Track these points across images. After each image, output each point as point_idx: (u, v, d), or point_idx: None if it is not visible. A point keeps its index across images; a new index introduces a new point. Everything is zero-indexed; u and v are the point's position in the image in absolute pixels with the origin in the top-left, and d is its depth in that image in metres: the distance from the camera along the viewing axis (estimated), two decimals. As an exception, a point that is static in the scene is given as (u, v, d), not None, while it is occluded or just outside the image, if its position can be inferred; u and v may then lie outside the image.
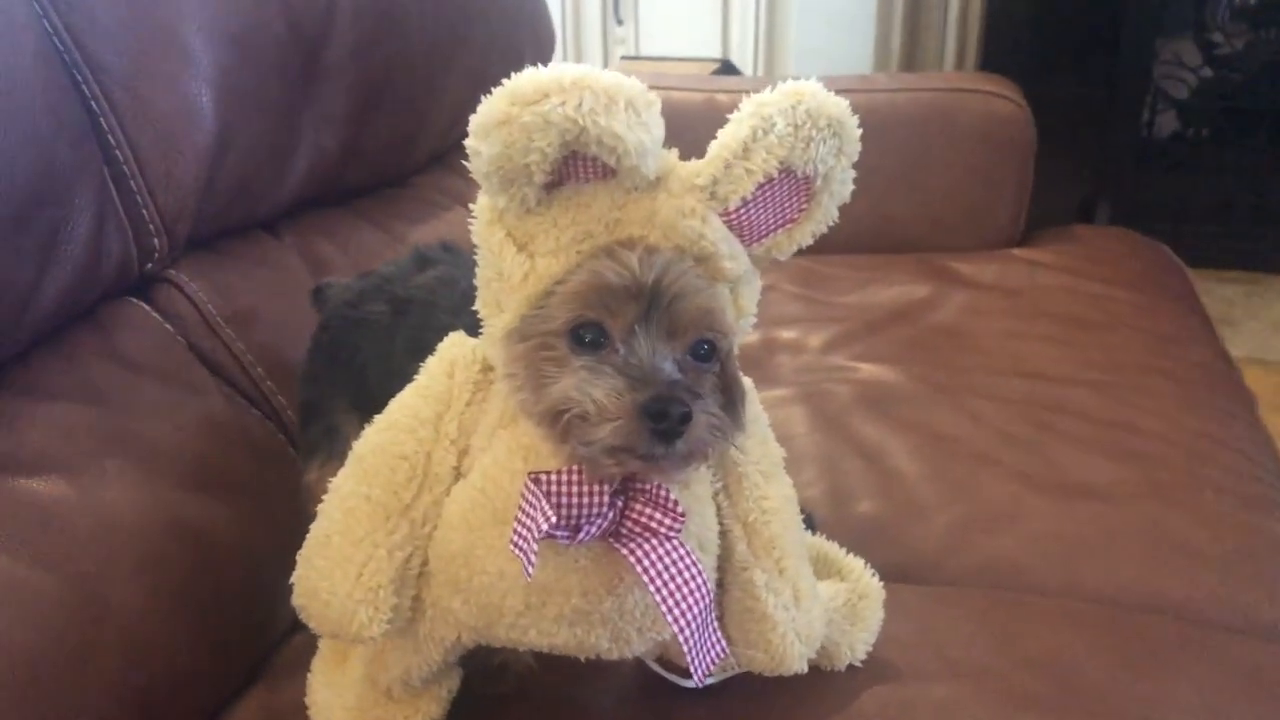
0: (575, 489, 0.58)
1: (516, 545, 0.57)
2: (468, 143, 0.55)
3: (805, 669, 0.70)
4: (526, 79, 0.54)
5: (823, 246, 0.66)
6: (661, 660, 0.73)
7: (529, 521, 0.57)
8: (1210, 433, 1.08)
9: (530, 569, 0.56)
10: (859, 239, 1.46)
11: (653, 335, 0.57)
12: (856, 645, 0.75)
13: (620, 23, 2.77)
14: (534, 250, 0.58)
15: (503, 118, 0.53)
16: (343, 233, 1.16)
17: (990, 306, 1.34)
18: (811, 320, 1.32)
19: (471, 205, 0.62)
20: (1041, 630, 0.81)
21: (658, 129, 0.56)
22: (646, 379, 0.55)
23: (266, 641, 0.87)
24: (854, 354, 1.24)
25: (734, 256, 0.60)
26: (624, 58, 2.70)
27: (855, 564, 0.78)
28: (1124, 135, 2.77)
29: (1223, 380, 1.21)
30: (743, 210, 0.59)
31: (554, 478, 0.58)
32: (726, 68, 2.28)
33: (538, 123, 0.53)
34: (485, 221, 0.60)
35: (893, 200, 1.50)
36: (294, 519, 0.87)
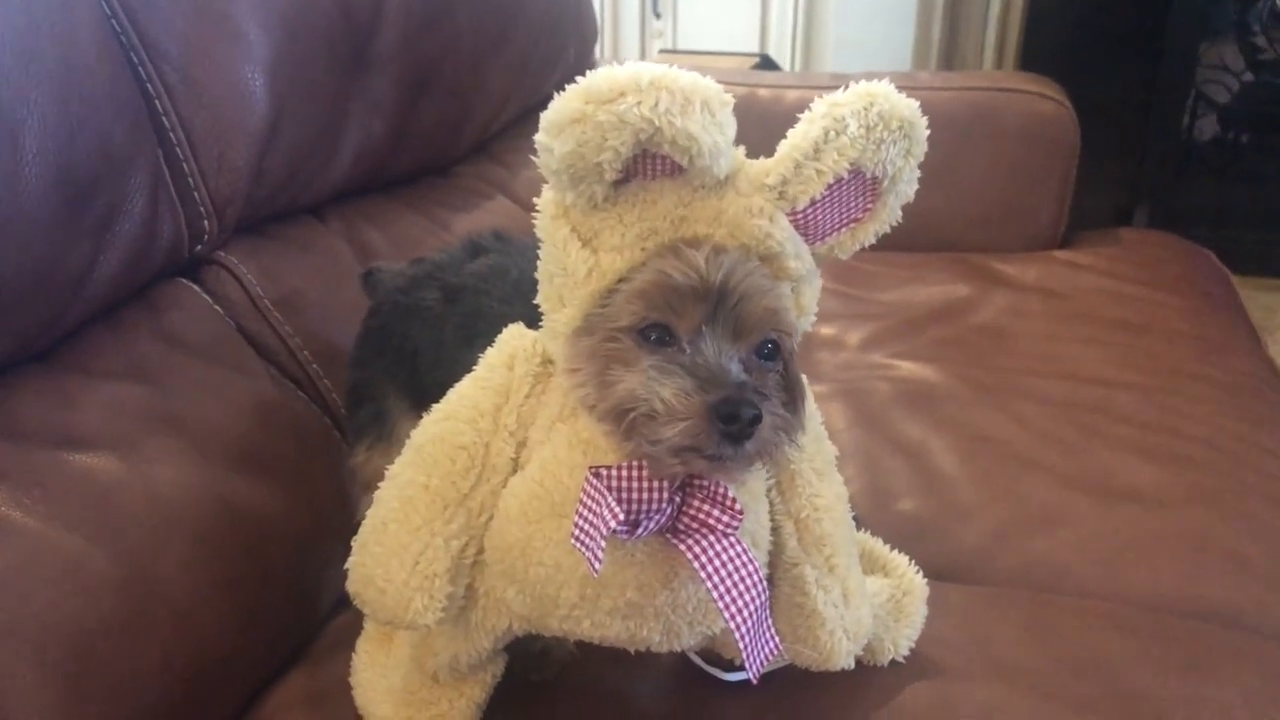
0: (636, 484, 0.58)
1: (580, 540, 0.57)
2: (538, 139, 0.55)
3: (852, 665, 0.70)
4: (602, 77, 0.53)
5: None
6: (703, 653, 0.74)
7: (593, 518, 0.57)
8: (1256, 440, 1.06)
9: (597, 565, 0.56)
10: (899, 237, 1.42)
11: (719, 335, 0.57)
12: (900, 641, 0.75)
13: (658, 16, 2.76)
14: (598, 246, 0.58)
15: (576, 115, 0.53)
16: (387, 219, 1.16)
17: (1031, 308, 1.33)
18: (851, 317, 1.32)
19: (536, 200, 0.62)
20: (1085, 633, 0.80)
21: (731, 129, 0.56)
22: (716, 380, 0.55)
23: (310, 622, 0.88)
24: (893, 352, 1.24)
25: (799, 255, 0.60)
26: (662, 51, 2.69)
27: (900, 560, 0.78)
28: (1164, 139, 2.74)
29: (1268, 388, 1.20)
30: (809, 209, 0.59)
31: (615, 472, 0.58)
32: (765, 63, 2.27)
33: (613, 121, 0.53)
34: (550, 216, 0.60)
35: (934, 198, 1.46)
36: (337, 501, 0.89)
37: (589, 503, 0.58)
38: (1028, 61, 2.67)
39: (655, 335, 0.57)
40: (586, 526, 0.58)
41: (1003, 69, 2.62)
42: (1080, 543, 0.92)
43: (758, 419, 0.54)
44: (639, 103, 0.52)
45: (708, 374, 0.55)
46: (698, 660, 0.74)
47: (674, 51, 2.66)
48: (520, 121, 1.47)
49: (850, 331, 1.29)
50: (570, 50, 1.58)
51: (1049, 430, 1.07)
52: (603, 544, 0.56)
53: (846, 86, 0.59)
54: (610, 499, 0.57)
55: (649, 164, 0.57)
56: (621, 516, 0.56)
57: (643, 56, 2.77)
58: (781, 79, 1.82)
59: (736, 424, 0.54)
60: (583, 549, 0.57)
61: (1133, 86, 2.81)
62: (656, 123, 0.53)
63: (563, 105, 0.54)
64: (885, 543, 0.81)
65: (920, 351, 1.23)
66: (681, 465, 0.56)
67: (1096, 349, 1.22)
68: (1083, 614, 0.83)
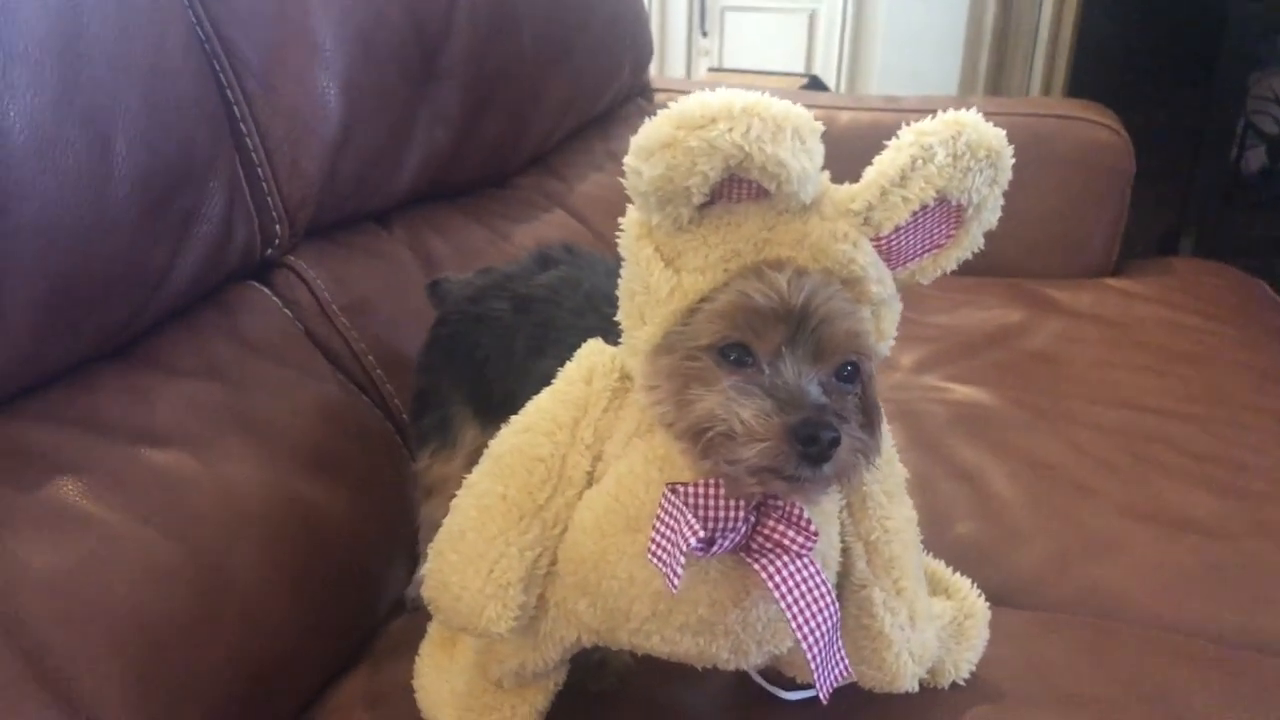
0: (713, 502, 0.58)
1: (658, 557, 0.57)
2: (627, 161, 0.56)
3: (916, 688, 0.70)
4: (694, 103, 0.54)
5: None
6: (764, 671, 0.74)
7: (671, 534, 0.57)
8: (1316, 474, 1.05)
9: (676, 581, 0.56)
10: (951, 260, 1.45)
11: (799, 357, 0.57)
12: (961, 664, 0.74)
13: (705, 34, 2.78)
14: (681, 266, 0.59)
15: (668, 140, 0.54)
16: (450, 229, 1.18)
17: (1085, 335, 1.33)
18: (903, 339, 1.29)
19: (620, 220, 0.62)
20: (1146, 662, 0.80)
21: (819, 156, 0.56)
22: (795, 401, 0.55)
23: (370, 624, 0.89)
24: (947, 375, 1.24)
25: (881, 280, 0.60)
26: (711, 69, 2.71)
27: (962, 583, 0.78)
28: (1212, 168, 2.72)
29: (1325, 421, 1.19)
30: (893, 235, 0.60)
31: (692, 490, 0.58)
32: (814, 83, 2.28)
33: (704, 147, 0.53)
34: (634, 236, 0.61)
35: None
36: (399, 505, 0.90)
37: (666, 519, 0.59)
38: (1075, 89, 2.66)
39: (735, 355, 0.57)
40: (664, 542, 0.58)
41: (1050, 96, 2.62)
42: (1139, 571, 0.92)
43: (836, 441, 0.54)
44: (730, 129, 0.53)
45: (787, 395, 0.55)
46: (759, 679, 0.74)
47: (721, 70, 2.68)
48: (577, 135, 1.49)
49: (903, 353, 1.29)
50: (626, 67, 1.59)
51: (1105, 457, 1.06)
52: (682, 560, 0.57)
53: (935, 115, 0.59)
54: (689, 516, 0.57)
55: (735, 187, 0.57)
56: (701, 534, 0.57)
57: (689, 74, 2.79)
58: (834, 100, 1.83)
59: (816, 446, 0.54)
60: (660, 564, 0.57)
61: (1182, 115, 2.79)
62: (747, 149, 0.53)
63: (654, 130, 0.55)
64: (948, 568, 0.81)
65: (974, 375, 1.23)
66: (759, 485, 0.57)
67: (1152, 377, 1.22)
68: (1143, 642, 0.83)
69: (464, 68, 1.16)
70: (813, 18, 2.71)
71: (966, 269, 1.63)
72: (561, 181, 1.39)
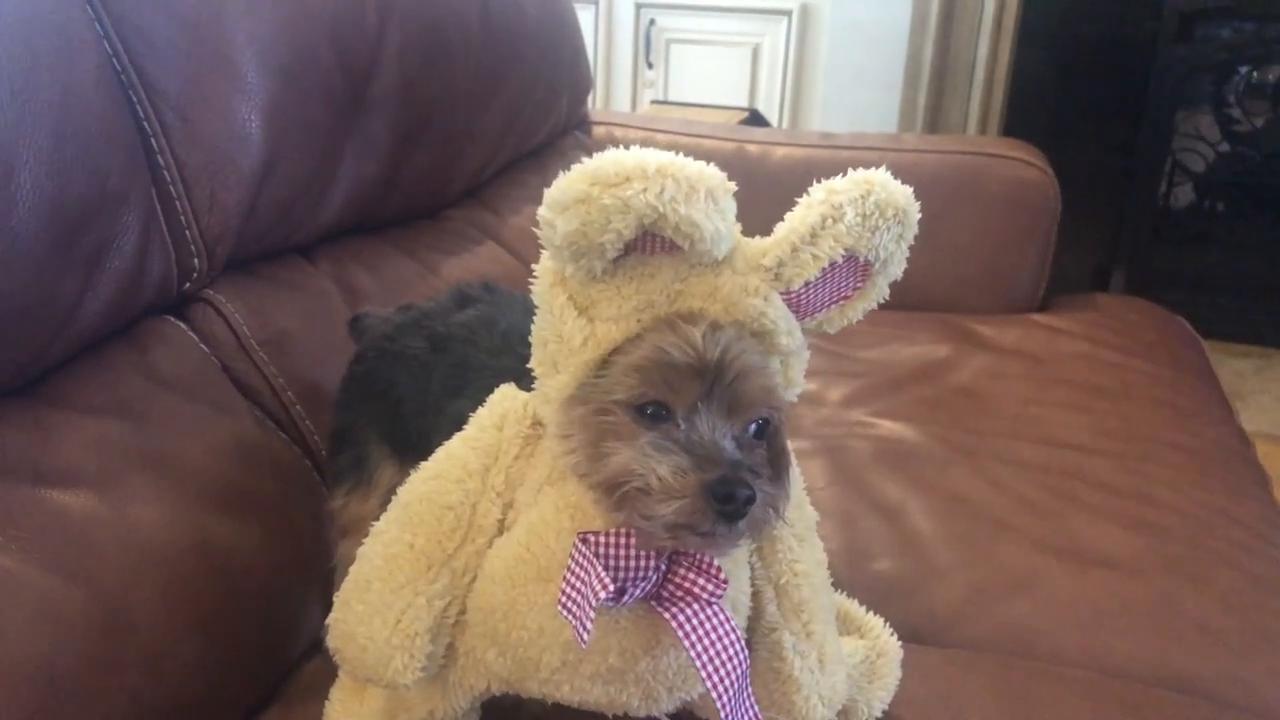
0: (624, 551, 0.58)
1: (567, 610, 0.57)
2: (541, 213, 0.56)
3: None
4: (609, 161, 0.54)
5: None
6: (677, 716, 0.73)
7: (582, 587, 0.57)
8: (1227, 509, 1.08)
9: (586, 635, 0.56)
10: (881, 295, 1.47)
11: (714, 412, 0.57)
12: (874, 703, 0.75)
13: (650, 66, 2.80)
14: (595, 315, 0.59)
15: (581, 196, 0.54)
16: (377, 262, 1.17)
17: (1010, 370, 1.35)
18: (832, 374, 1.33)
19: (534, 266, 0.62)
20: (1057, 699, 0.81)
21: (731, 215, 0.57)
22: (712, 458, 0.55)
23: (283, 664, 0.87)
24: (874, 410, 1.25)
25: (790, 333, 0.61)
26: (653, 101, 2.73)
27: (875, 622, 0.79)
28: (1141, 205, 2.80)
29: (1237, 457, 1.22)
30: (802, 290, 0.61)
31: (603, 539, 0.58)
32: (755, 118, 2.31)
33: (617, 205, 0.53)
34: (548, 284, 0.60)
35: (917, 259, 1.48)
36: (315, 544, 0.88)
37: (577, 570, 0.58)
38: (1011, 127, 2.72)
39: (651, 410, 0.58)
40: (574, 595, 0.58)
41: (986, 134, 2.68)
42: (1053, 608, 0.93)
43: (752, 499, 0.55)
44: (645, 189, 0.53)
45: (703, 452, 0.56)
46: (666, 721, 0.73)
47: (665, 102, 2.70)
48: (512, 168, 1.49)
49: (832, 388, 1.31)
50: (563, 100, 1.60)
51: (1024, 494, 1.08)
52: (591, 614, 0.56)
53: (845, 174, 0.60)
54: (599, 568, 0.57)
55: (649, 241, 0.58)
56: (612, 588, 0.56)
57: (634, 105, 2.81)
58: (770, 135, 1.84)
59: (732, 504, 0.54)
60: (570, 617, 0.57)
61: (1112, 153, 2.87)
62: (661, 209, 0.54)
63: (568, 186, 0.55)
64: (860, 603, 0.81)
65: (900, 410, 1.25)
66: (673, 541, 0.57)
67: (1072, 414, 1.24)
68: (1055, 680, 0.84)
69: (393, 100, 1.15)
70: (756, 52, 2.74)
71: (896, 304, 1.64)
72: (494, 214, 1.39)
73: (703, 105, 2.47)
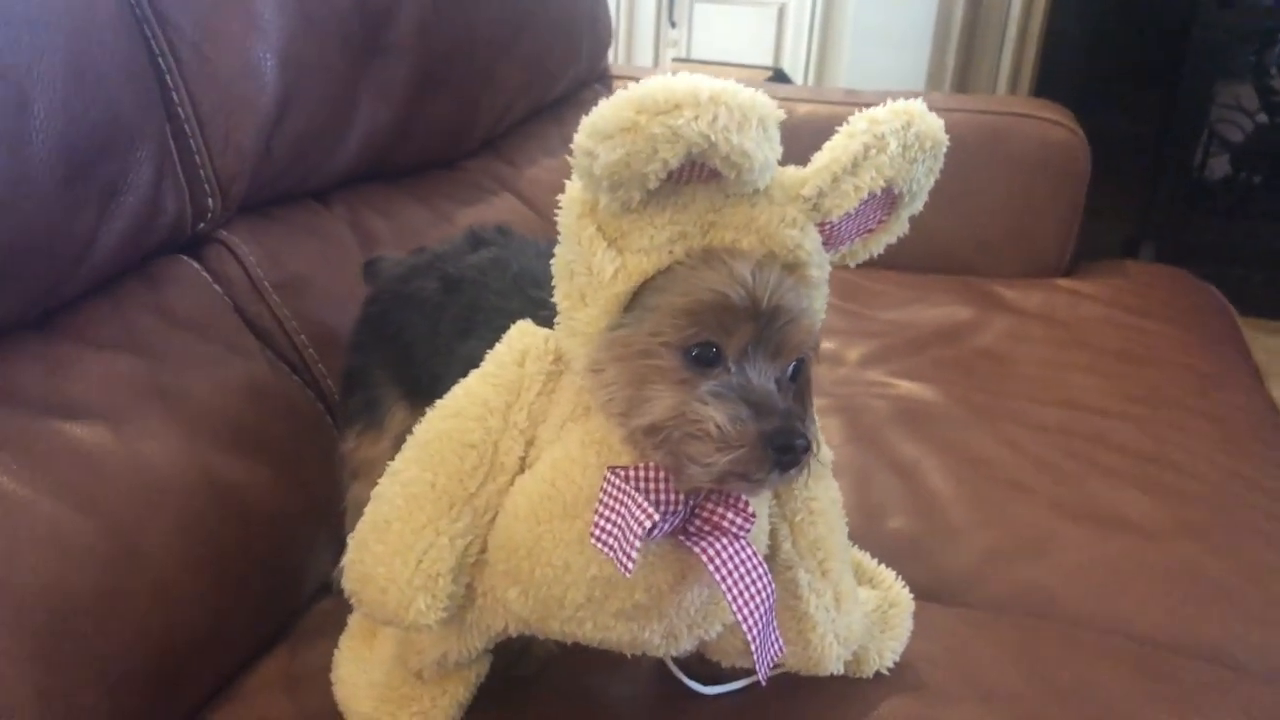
0: (657, 485, 0.57)
1: (603, 542, 0.56)
2: (580, 142, 0.54)
3: (841, 670, 0.70)
4: (659, 87, 0.52)
5: (867, 261, 0.67)
6: (686, 661, 0.73)
7: (618, 519, 0.56)
8: (1249, 475, 1.06)
9: (630, 564, 0.55)
10: (905, 256, 1.42)
11: (762, 356, 0.56)
12: (885, 652, 0.74)
13: (674, 25, 2.77)
14: (625, 247, 0.57)
15: (628, 124, 0.52)
16: (392, 209, 1.16)
17: (1033, 334, 1.33)
18: (852, 333, 1.32)
19: (559, 197, 0.60)
20: (1072, 661, 0.80)
21: (778, 144, 0.56)
22: (768, 407, 0.55)
23: (292, 605, 0.87)
24: (893, 370, 1.24)
25: (821, 265, 0.60)
26: (675, 59, 2.69)
27: (887, 574, 0.78)
28: (1175, 175, 2.74)
29: (1264, 425, 1.19)
30: (837, 221, 0.59)
31: (635, 473, 0.57)
32: (778, 76, 2.28)
33: (667, 134, 0.51)
34: (575, 215, 0.58)
35: (941, 220, 1.46)
36: (326, 486, 0.88)
37: (612, 502, 0.57)
38: (1042, 90, 2.68)
39: (697, 352, 0.56)
40: (609, 526, 0.57)
41: (1016, 96, 2.63)
42: (1069, 570, 0.92)
43: (807, 448, 0.54)
44: (696, 117, 0.51)
45: (760, 400, 0.55)
46: (679, 673, 0.73)
47: (687, 60, 2.67)
48: (530, 120, 1.47)
49: (851, 348, 1.29)
50: (583, 53, 1.58)
51: (1043, 456, 1.06)
52: (636, 544, 0.55)
53: (885, 103, 0.59)
54: (641, 499, 0.56)
55: (688, 170, 0.56)
56: (656, 517, 0.55)
57: (656, 64, 2.77)
58: (794, 91, 1.82)
59: (790, 454, 0.54)
60: (607, 549, 0.56)
61: (1146, 121, 2.82)
62: (713, 138, 0.52)
63: (613, 113, 0.52)
64: (874, 559, 0.80)
65: (919, 371, 1.23)
66: (719, 485, 0.56)
67: (1095, 378, 1.22)
68: (1069, 642, 0.83)
69: (411, 45, 1.14)
70: (782, 12, 2.70)
71: (919, 265, 1.64)
72: (511, 165, 1.37)
73: (726, 64, 2.44)
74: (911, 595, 0.78)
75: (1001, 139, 1.54)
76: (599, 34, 1.63)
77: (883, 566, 0.79)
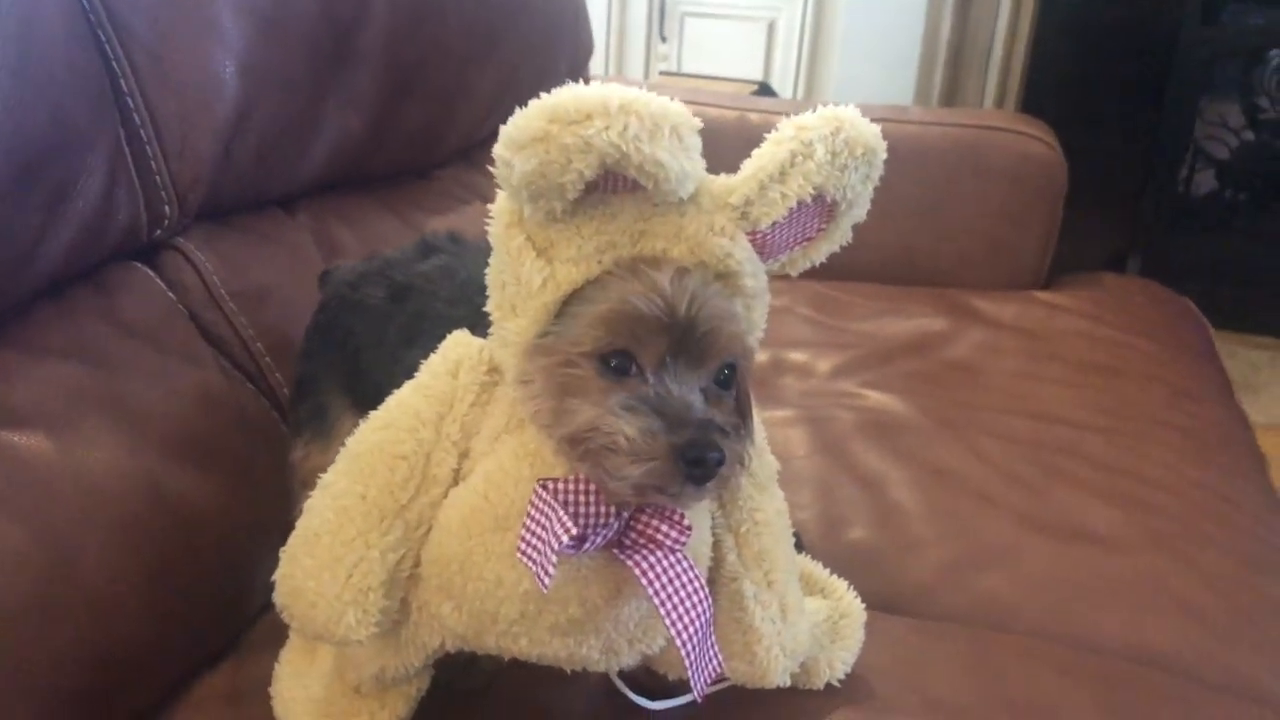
0: (585, 498, 0.56)
1: (527, 555, 0.55)
2: (497, 152, 0.53)
3: (788, 683, 0.68)
4: (569, 97, 0.52)
5: (843, 274, 0.66)
6: (634, 674, 0.72)
7: (543, 533, 0.55)
8: (1218, 489, 1.05)
9: (547, 580, 0.54)
10: (881, 269, 1.45)
11: (682, 365, 0.56)
12: (835, 663, 0.73)
13: (664, 39, 2.77)
14: (554, 256, 0.57)
15: (540, 134, 0.51)
16: (359, 218, 1.15)
17: (1006, 345, 1.32)
18: (822, 345, 1.31)
19: (490, 206, 0.60)
20: (1027, 673, 0.79)
21: (697, 153, 0.55)
22: (681, 419, 0.54)
23: (239, 617, 0.86)
24: (862, 381, 1.23)
25: (755, 275, 0.59)
26: (663, 73, 2.70)
27: (838, 584, 0.77)
28: (1161, 191, 2.74)
29: (1235, 439, 1.19)
30: (769, 231, 0.59)
31: (564, 485, 0.56)
32: (764, 90, 2.28)
33: (578, 144, 0.51)
34: (504, 224, 0.58)
35: (917, 233, 1.49)
36: (278, 496, 0.87)
37: (537, 516, 0.56)
38: (1028, 108, 2.68)
39: (616, 363, 0.56)
40: (534, 540, 0.56)
41: (995, 111, 2.63)
42: (1030, 582, 0.91)
43: (721, 460, 0.53)
44: (607, 127, 0.51)
45: (673, 412, 0.54)
46: (624, 688, 0.72)
47: (675, 74, 2.67)
48: (506, 130, 1.47)
49: (821, 359, 1.28)
50: (562, 64, 1.57)
51: (1010, 468, 1.05)
52: (553, 559, 0.54)
53: (814, 109, 0.58)
54: (561, 513, 0.55)
55: (611, 180, 0.55)
56: (574, 530, 0.55)
57: (646, 77, 2.78)
58: (775, 105, 1.82)
59: (702, 467, 0.53)
60: (530, 563, 0.55)
61: (1133, 137, 2.81)
62: (624, 148, 0.51)
63: (525, 123, 0.52)
64: (832, 571, 0.79)
65: (889, 382, 1.22)
66: (639, 498, 0.55)
67: (1066, 390, 1.21)
68: (1026, 654, 0.81)
69: (380, 54, 1.13)
70: (771, 27, 2.70)
71: (895, 278, 1.63)
72: (485, 175, 1.34)
73: (711, 77, 2.44)
74: (865, 606, 0.76)
75: (980, 153, 1.54)
76: (578, 45, 1.63)
77: (835, 577, 0.77)
